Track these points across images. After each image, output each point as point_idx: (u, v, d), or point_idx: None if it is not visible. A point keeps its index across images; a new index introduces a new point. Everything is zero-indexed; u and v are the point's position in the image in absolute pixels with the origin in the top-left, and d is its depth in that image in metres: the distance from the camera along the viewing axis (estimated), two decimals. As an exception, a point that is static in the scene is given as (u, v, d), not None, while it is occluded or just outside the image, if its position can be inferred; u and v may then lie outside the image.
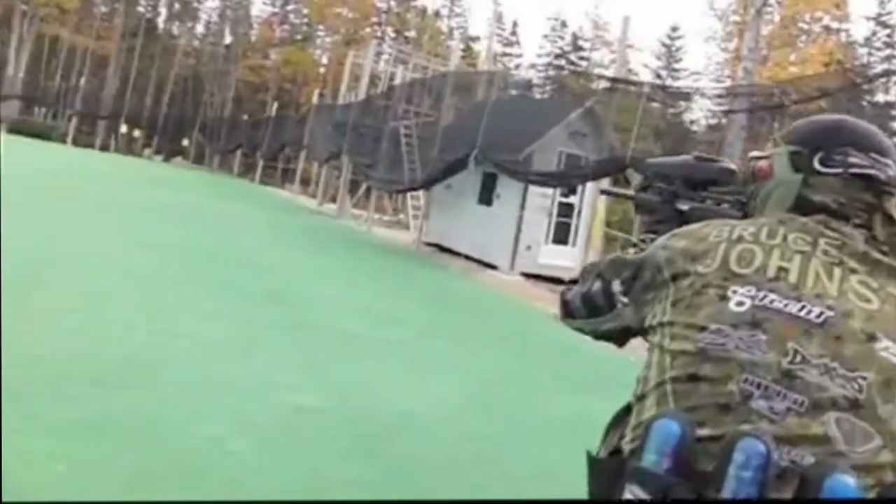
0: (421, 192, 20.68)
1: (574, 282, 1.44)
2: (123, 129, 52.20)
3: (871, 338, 1.09)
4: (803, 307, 1.12)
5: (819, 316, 1.11)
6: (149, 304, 6.35)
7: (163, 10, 62.18)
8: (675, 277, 1.22)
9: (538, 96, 24.12)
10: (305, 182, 36.57)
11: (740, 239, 1.22)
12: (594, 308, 1.35)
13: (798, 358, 1.07)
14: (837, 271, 1.16)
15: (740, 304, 1.14)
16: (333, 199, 28.30)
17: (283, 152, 39.51)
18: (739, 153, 11.59)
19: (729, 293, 1.15)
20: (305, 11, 59.00)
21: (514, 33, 59.26)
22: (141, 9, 60.35)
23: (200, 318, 6.18)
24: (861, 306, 1.12)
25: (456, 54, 25.96)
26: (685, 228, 1.33)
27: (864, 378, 1.06)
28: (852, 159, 1.26)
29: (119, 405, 4.02)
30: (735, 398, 1.07)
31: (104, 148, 51.42)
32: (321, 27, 58.76)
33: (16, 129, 48.25)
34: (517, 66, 44.58)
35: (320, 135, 30.45)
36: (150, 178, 26.10)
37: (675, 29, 51.84)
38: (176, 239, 10.98)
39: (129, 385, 4.38)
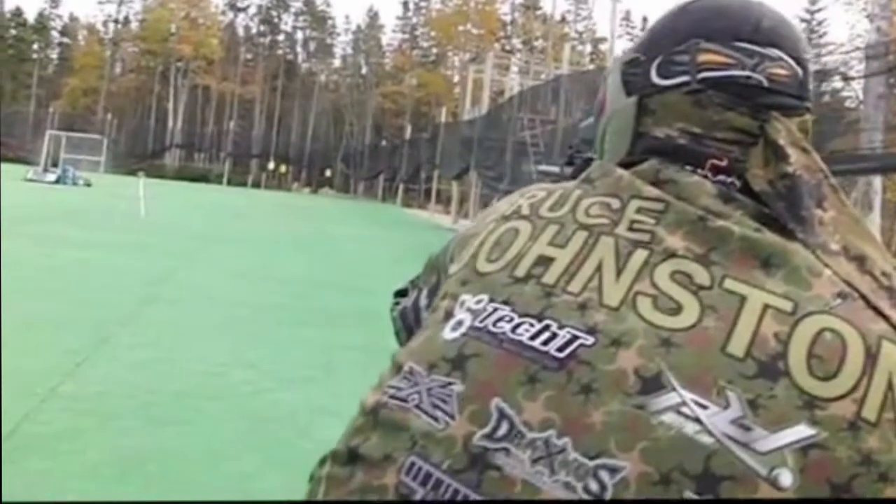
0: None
1: (403, 293, 1.02)
2: (272, 165, 55.14)
3: (651, 387, 0.58)
4: (543, 329, 0.62)
5: (564, 347, 0.61)
6: (229, 334, 6.33)
7: (300, 51, 65.41)
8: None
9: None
10: (446, 201, 36.96)
11: (514, 214, 0.74)
12: (410, 330, 0.90)
13: (502, 429, 0.59)
14: (638, 257, 0.65)
15: (457, 326, 0.67)
16: (468, 216, 28.36)
17: (419, 173, 40.32)
18: (881, 126, 10.35)
19: (456, 308, 0.69)
20: (434, 34, 60.09)
21: (644, 29, 57.57)
22: (280, 52, 63.80)
23: (277, 347, 6.07)
24: (655, 323, 0.61)
25: (566, 56, 25.28)
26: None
27: (615, 470, 0.56)
28: (704, 57, 0.74)
29: (156, 443, 3.90)
30: (386, 500, 0.61)
31: (256, 185, 54.51)
32: (450, 47, 59.61)
33: (179, 174, 52.21)
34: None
35: (449, 152, 30.68)
36: (285, 210, 27.16)
37: (813, 1, 48.46)
38: (284, 269, 11.15)
39: (175, 420, 4.27)
